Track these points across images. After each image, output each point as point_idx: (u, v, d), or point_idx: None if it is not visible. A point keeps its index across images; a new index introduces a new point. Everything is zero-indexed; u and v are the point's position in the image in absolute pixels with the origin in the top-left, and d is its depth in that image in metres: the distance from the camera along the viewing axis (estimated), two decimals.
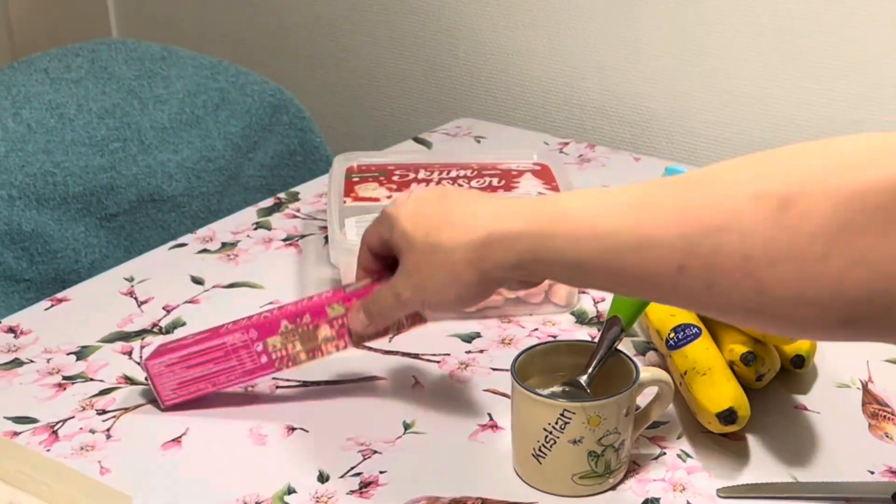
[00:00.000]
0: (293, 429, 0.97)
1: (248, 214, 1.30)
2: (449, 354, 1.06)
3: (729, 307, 0.67)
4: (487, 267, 0.77)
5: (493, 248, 0.76)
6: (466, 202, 0.80)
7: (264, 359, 0.96)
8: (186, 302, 1.13)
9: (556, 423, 0.86)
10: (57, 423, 0.97)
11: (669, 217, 0.68)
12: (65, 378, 1.02)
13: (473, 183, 1.20)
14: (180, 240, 1.24)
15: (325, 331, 0.95)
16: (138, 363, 1.04)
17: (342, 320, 0.94)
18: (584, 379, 0.90)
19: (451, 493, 0.90)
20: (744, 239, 0.65)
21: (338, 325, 0.95)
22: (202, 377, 0.97)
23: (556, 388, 0.91)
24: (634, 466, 0.93)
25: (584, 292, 1.15)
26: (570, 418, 0.86)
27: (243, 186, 1.51)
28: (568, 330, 1.10)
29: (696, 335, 0.98)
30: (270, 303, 1.13)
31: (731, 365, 0.96)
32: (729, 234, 0.65)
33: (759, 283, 0.64)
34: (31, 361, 1.04)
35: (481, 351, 1.07)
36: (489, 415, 0.99)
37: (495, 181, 1.20)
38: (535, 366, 0.92)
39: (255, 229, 1.27)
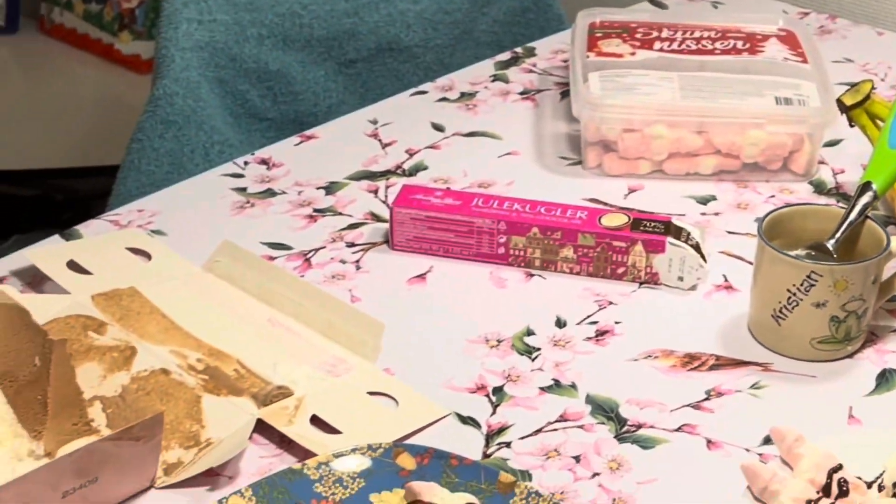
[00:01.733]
0: (531, 275, 0.99)
1: (486, 67, 1.32)
2: (684, 215, 1.07)
3: None
4: None
5: None
6: None
7: (501, 251, 0.99)
8: (428, 147, 1.16)
9: (802, 284, 0.86)
10: (309, 251, 1.02)
11: None
12: (315, 210, 1.07)
13: (717, 45, 1.18)
14: (420, 87, 1.27)
15: (567, 251, 0.98)
16: (384, 202, 1.08)
17: (588, 250, 0.97)
18: (831, 243, 0.90)
19: (685, 348, 0.92)
20: None
21: (581, 252, 0.97)
22: (438, 241, 1.00)
23: (801, 251, 0.91)
24: (872, 337, 0.92)
25: (822, 162, 1.14)
26: (816, 280, 0.86)
27: (475, 41, 1.52)
28: (805, 199, 1.09)
29: None
30: (508, 153, 1.16)
31: None
32: None
33: None
34: (284, 193, 1.09)
35: (716, 213, 1.07)
36: (724, 276, 0.99)
37: (740, 44, 1.19)
38: (780, 228, 0.92)
39: (493, 81, 1.28)
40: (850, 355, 0.91)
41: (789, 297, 0.88)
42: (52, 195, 2.23)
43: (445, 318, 0.95)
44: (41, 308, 0.89)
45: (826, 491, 0.74)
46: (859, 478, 0.76)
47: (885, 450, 0.76)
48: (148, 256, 1.00)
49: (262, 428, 0.83)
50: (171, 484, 0.79)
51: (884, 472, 0.75)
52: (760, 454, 0.81)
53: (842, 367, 0.90)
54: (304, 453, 0.81)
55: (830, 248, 0.90)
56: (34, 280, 0.97)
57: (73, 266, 0.97)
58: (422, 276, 0.99)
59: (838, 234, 0.90)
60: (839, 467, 0.75)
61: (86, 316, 0.91)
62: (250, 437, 0.82)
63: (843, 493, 0.74)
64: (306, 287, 0.95)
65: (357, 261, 1.00)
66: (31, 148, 2.31)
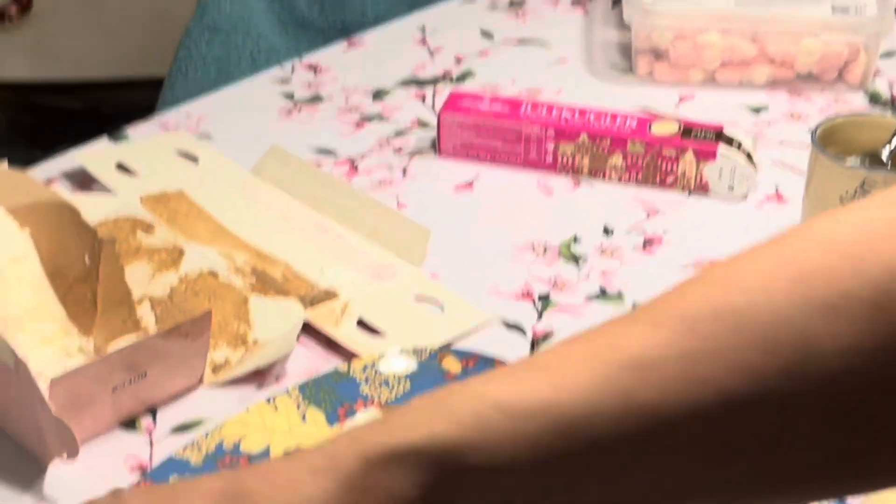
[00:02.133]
0: (579, 183, 0.99)
1: None
2: (736, 124, 1.05)
3: None
4: None
5: (381, 474, 0.45)
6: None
7: (549, 158, 0.98)
8: (476, 54, 1.15)
9: (855, 193, 0.85)
10: (356, 157, 1.01)
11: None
12: (363, 116, 1.06)
13: None
14: None
15: (616, 159, 0.97)
16: (431, 109, 1.07)
17: (637, 158, 0.96)
18: (885, 153, 0.88)
19: None
20: None
21: (631, 160, 0.96)
22: (486, 148, 0.99)
23: (854, 160, 0.90)
24: None
25: (878, 73, 1.12)
26: (869, 189, 0.85)
27: None
28: (860, 110, 1.07)
29: None
30: (557, 61, 1.14)
31: None
32: None
33: None
34: (331, 99, 1.09)
35: (769, 123, 1.06)
36: (776, 186, 0.98)
37: None
38: (833, 138, 0.90)
39: None
40: None
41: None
42: (98, 107, 2.24)
43: (492, 225, 0.94)
44: (90, 209, 0.89)
45: None
46: None
47: None
48: (196, 160, 1.00)
49: (308, 330, 0.84)
50: (219, 382, 0.80)
51: None
52: None
53: None
54: (350, 356, 0.81)
55: (884, 159, 0.88)
56: (83, 182, 0.98)
57: (122, 168, 0.98)
58: (469, 184, 0.99)
59: (892, 145, 0.89)
60: None
61: (134, 217, 0.91)
62: (297, 339, 0.82)
63: None
64: (353, 192, 0.95)
65: (404, 167, 1.00)
66: (78, 59, 2.31)
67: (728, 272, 0.47)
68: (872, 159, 0.89)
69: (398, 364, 0.79)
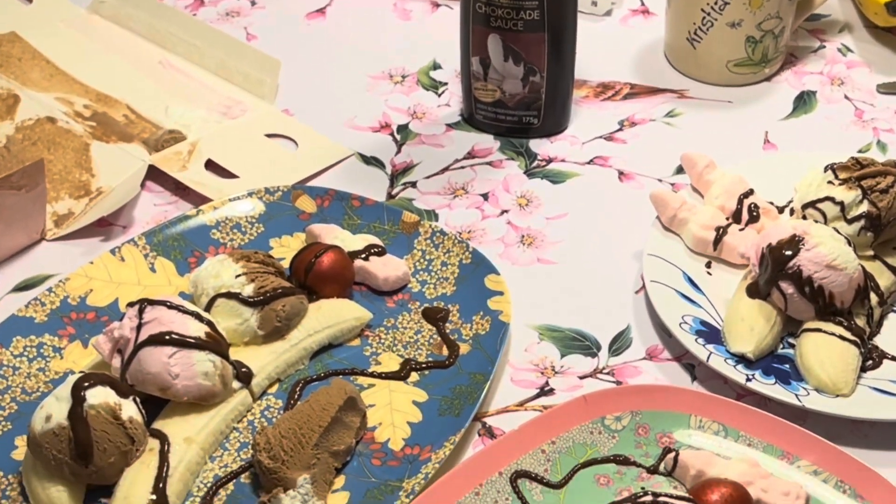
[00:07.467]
0: (438, 5, 0.94)
1: None
2: None
3: None
4: None
5: None
6: None
7: None
8: None
9: (716, 2, 0.82)
10: None
11: None
12: None
13: None
14: None
15: None
16: None
17: None
18: None
19: (599, 77, 0.88)
20: None
21: None
22: None
23: None
24: (791, 58, 0.89)
25: None
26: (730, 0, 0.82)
27: None
28: None
29: None
30: None
31: None
32: None
33: None
34: None
35: None
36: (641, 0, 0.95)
37: None
38: None
39: None
40: (768, 78, 0.88)
41: (703, 18, 0.84)
42: None
43: (347, 54, 0.90)
44: None
45: (736, 217, 0.73)
46: (771, 202, 0.74)
47: (797, 173, 0.74)
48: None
49: (155, 175, 0.80)
50: (62, 235, 0.76)
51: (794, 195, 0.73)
52: (673, 184, 0.79)
53: (758, 90, 0.87)
54: (199, 199, 0.78)
55: None
56: None
57: None
58: (321, 10, 0.94)
59: None
60: (750, 192, 0.73)
61: None
62: (143, 185, 0.78)
63: (754, 217, 0.72)
64: (199, 25, 0.89)
65: None
66: None
67: None
68: None
69: (249, 206, 0.75)
